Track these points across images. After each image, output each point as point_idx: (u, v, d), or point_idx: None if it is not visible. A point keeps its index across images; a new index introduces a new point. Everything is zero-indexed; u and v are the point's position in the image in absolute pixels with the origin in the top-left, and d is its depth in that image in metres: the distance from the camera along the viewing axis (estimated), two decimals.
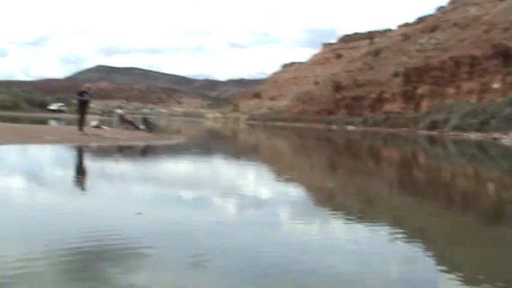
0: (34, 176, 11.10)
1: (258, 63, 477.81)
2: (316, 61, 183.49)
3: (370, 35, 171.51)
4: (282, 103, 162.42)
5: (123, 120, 31.22)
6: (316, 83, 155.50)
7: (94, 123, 30.04)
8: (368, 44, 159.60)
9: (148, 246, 5.38)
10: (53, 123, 43.41)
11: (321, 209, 8.90)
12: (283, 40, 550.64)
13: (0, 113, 58.62)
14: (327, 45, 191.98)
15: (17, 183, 9.78)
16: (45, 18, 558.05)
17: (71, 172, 12.12)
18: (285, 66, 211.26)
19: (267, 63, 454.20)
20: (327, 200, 10.16)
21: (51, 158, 16.04)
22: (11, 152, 16.04)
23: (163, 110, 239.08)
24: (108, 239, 5.62)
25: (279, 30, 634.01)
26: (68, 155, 16.72)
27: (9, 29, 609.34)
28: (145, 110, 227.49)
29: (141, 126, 30.63)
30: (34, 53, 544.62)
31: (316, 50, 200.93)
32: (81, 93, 23.61)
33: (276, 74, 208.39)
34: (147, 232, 6.04)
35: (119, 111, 31.87)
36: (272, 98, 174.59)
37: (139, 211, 7.06)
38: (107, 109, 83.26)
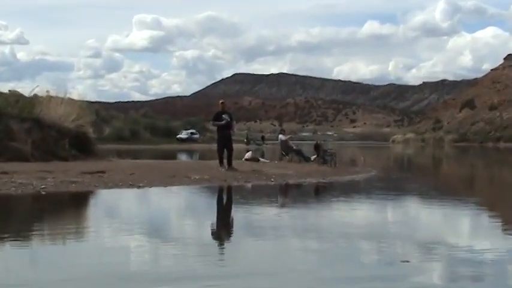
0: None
1: (468, 56, 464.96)
2: None
3: None
4: (508, 114, 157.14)
5: (287, 148, 32.52)
6: None
7: (249, 154, 31.77)
8: None
9: None
10: (183, 157, 46.67)
11: None
12: (507, 19, 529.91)
13: (116, 146, 59.97)
14: None
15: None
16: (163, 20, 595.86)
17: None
18: (510, 57, 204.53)
19: (482, 55, 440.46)
20: None
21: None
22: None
23: (331, 132, 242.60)
24: None
25: (500, 5, 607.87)
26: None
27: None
28: (304, 134, 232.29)
29: (313, 157, 31.72)
30: (151, 62, 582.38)
31: None
32: (218, 116, 24.06)
33: (496, 70, 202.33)
34: None
35: (281, 136, 33.32)
36: (492, 107, 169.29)
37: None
38: (254, 136, 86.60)
